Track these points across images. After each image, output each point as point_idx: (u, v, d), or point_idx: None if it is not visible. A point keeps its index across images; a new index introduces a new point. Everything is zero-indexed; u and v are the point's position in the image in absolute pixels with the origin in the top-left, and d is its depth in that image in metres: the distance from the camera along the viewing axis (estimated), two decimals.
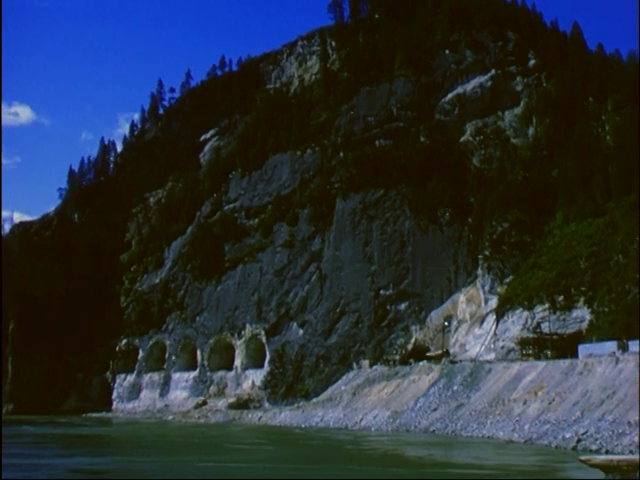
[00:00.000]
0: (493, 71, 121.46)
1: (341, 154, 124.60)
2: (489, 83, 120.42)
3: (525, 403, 61.94)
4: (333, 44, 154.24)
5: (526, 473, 38.14)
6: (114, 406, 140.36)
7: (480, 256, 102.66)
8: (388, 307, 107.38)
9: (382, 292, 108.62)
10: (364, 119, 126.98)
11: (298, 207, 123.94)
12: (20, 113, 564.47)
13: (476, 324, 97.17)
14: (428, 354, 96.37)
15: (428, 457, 46.81)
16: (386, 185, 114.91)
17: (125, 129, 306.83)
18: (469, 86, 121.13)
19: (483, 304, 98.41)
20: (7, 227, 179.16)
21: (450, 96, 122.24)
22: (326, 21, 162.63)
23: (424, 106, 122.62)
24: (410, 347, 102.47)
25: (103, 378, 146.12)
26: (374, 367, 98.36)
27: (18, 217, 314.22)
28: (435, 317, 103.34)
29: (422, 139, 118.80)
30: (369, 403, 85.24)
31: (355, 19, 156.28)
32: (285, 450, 55.40)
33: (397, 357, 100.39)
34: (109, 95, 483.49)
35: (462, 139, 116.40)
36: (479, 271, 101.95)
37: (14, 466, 40.31)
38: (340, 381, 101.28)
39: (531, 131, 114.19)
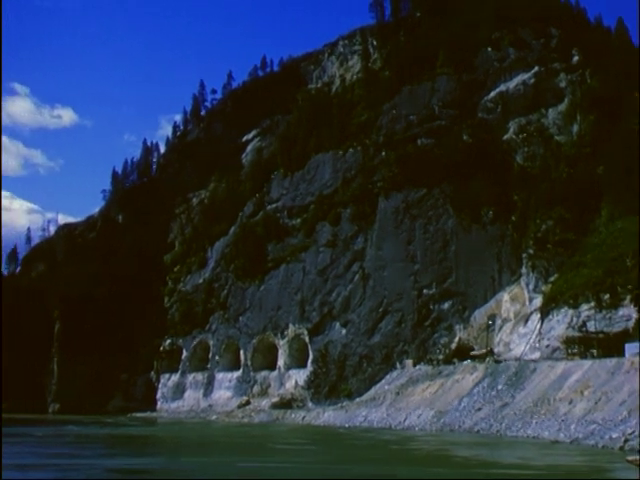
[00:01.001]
0: (536, 68, 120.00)
1: (383, 153, 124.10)
2: (532, 80, 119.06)
3: (571, 403, 61.20)
4: (374, 43, 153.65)
5: (574, 474, 37.56)
6: (158, 406, 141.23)
7: (524, 254, 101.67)
8: (431, 306, 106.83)
9: (425, 291, 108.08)
10: (406, 118, 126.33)
11: (340, 206, 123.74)
12: (63, 116, 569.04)
13: (520, 323, 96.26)
14: (472, 353, 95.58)
15: (474, 457, 46.30)
16: (428, 184, 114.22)
17: (166, 130, 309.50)
18: (512, 84, 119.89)
19: (527, 303, 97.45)
20: (52, 229, 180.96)
21: (493, 94, 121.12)
22: (367, 20, 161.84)
23: (466, 104, 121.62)
24: (454, 346, 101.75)
25: (147, 378, 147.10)
26: (417, 366, 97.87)
27: (62, 219, 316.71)
28: (479, 316, 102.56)
29: (464, 137, 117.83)
30: (413, 403, 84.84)
31: (396, 17, 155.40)
32: (330, 450, 55.16)
33: (441, 356, 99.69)
34: (150, 97, 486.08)
35: (505, 137, 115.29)
36: (523, 269, 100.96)
37: (53, 466, 40.54)
38: (383, 381, 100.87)
39: (575, 128, 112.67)
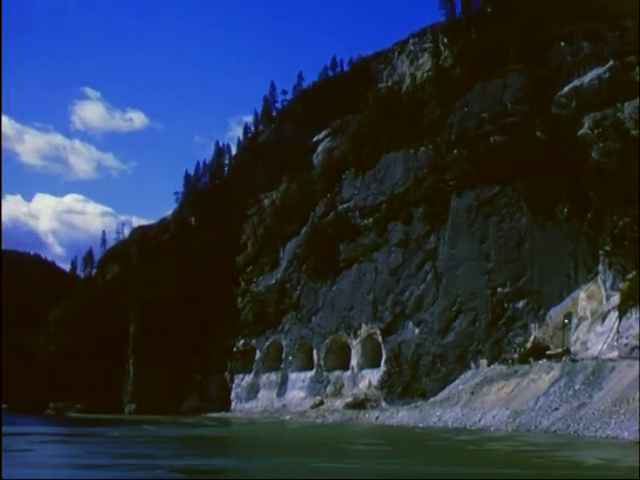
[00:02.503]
0: (611, 62, 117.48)
1: (455, 151, 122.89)
2: (607, 74, 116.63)
3: None
4: (445, 40, 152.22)
5: None
6: (232, 406, 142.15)
7: (601, 252, 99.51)
8: (506, 305, 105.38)
9: (499, 290, 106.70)
10: (477, 115, 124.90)
11: (412, 205, 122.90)
12: (134, 119, 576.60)
13: (597, 321, 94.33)
14: (548, 352, 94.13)
15: (554, 458, 45.32)
16: (501, 181, 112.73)
17: (236, 132, 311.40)
18: (586, 78, 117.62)
19: (604, 301, 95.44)
20: (126, 231, 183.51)
21: (566, 89, 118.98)
22: (437, 17, 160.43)
23: (539, 100, 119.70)
24: (529, 345, 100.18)
25: (221, 378, 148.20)
26: (492, 366, 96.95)
27: (136, 221, 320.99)
28: (554, 315, 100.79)
29: (538, 134, 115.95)
30: (488, 402, 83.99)
31: (467, 14, 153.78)
32: (407, 450, 54.57)
33: (516, 356, 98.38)
34: (219, 99, 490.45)
35: (580, 133, 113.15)
36: (600, 267, 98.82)
37: (122, 466, 40.78)
38: (457, 380, 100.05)
39: None
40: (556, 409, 72.17)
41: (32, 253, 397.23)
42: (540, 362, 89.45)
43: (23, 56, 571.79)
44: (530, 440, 60.65)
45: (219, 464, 42.77)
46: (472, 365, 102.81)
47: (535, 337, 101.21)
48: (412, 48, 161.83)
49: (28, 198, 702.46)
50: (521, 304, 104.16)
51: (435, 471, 39.81)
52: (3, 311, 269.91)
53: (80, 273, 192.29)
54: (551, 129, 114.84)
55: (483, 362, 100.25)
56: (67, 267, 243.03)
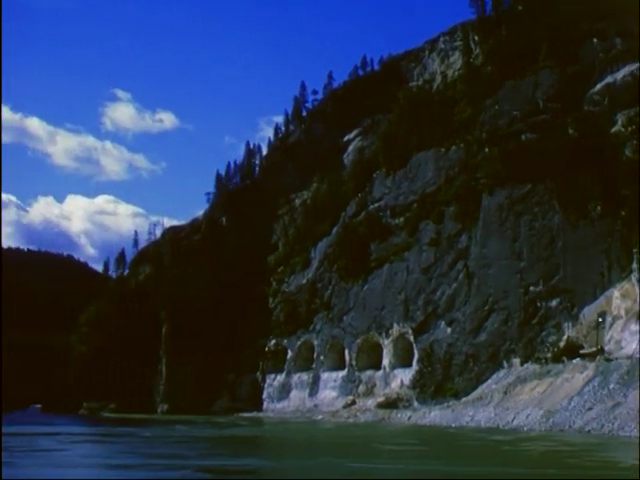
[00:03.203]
0: None
1: (486, 149, 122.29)
2: None
3: None
4: (476, 38, 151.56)
5: None
6: (264, 406, 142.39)
7: (635, 250, 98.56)
8: (538, 304, 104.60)
9: (532, 289, 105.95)
10: (509, 113, 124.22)
11: (443, 204, 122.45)
12: (164, 120, 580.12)
13: (632, 320, 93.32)
14: (581, 351, 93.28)
15: (590, 458, 44.73)
16: (533, 179, 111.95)
17: (266, 132, 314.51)
18: (619, 75, 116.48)
19: (639, 299, 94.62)
20: (158, 232, 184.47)
21: (599, 86, 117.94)
22: (468, 15, 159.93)
23: (571, 97, 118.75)
24: (562, 344, 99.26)
25: (253, 378, 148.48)
26: (525, 365, 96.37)
27: (167, 222, 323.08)
28: (588, 313, 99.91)
29: (570, 131, 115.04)
30: (521, 402, 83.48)
31: (497, 12, 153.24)
32: (440, 451, 54.15)
33: (549, 355, 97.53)
34: (249, 99, 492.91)
35: (613, 130, 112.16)
36: (634, 265, 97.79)
37: (151, 466, 40.81)
38: (490, 380, 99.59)
39: None
40: (590, 409, 71.61)
41: (65, 254, 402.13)
42: (574, 361, 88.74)
43: (54, 59, 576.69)
44: (564, 440, 60.11)
45: (249, 464, 42.65)
46: (505, 364, 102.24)
47: (568, 336, 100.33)
48: (443, 46, 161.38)
49: (60, 199, 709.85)
50: (554, 303, 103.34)
51: (470, 471, 39.50)
52: (37, 312, 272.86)
53: (112, 274, 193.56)
54: (583, 126, 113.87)
55: (516, 361, 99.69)
56: (99, 268, 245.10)
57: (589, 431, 66.52)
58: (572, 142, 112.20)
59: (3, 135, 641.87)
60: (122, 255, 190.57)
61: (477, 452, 51.66)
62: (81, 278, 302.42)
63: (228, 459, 46.22)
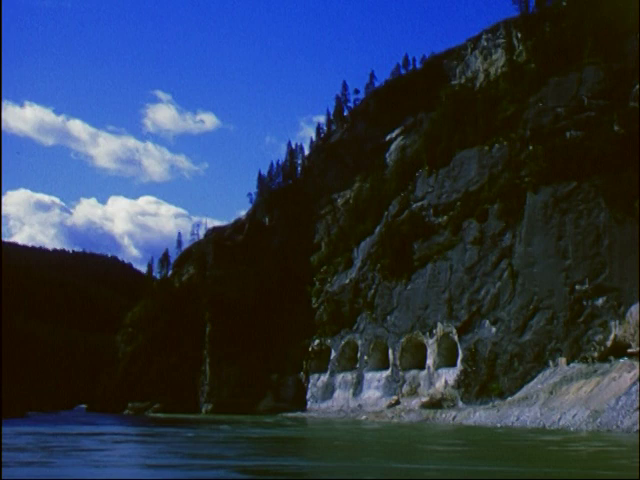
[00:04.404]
0: None
1: (530, 147, 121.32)
2: None
3: None
4: (519, 35, 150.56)
5: None
6: (308, 406, 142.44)
7: None
8: (584, 303, 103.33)
9: (577, 287, 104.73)
10: (553, 110, 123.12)
11: (487, 203, 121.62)
12: (205, 120, 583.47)
13: None
14: (629, 350, 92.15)
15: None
16: (578, 177, 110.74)
17: (306, 132, 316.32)
18: None
19: None
20: (201, 233, 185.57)
21: None
22: (511, 12, 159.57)
23: (616, 93, 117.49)
24: (609, 344, 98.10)
25: (297, 378, 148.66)
26: (571, 365, 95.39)
27: (209, 222, 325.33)
28: (635, 312, 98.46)
29: (615, 128, 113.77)
30: (567, 402, 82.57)
31: (541, 8, 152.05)
32: (487, 451, 53.35)
33: (595, 354, 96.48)
34: (289, 99, 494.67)
35: None
36: None
37: (188, 466, 40.69)
38: (536, 379, 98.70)
39: None
40: (638, 408, 70.67)
41: (109, 255, 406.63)
42: (621, 360, 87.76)
43: (96, 62, 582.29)
44: (613, 440, 59.22)
45: (289, 465, 42.29)
46: (550, 364, 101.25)
47: (615, 335, 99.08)
48: (485, 44, 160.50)
49: (103, 201, 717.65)
50: (600, 301, 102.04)
51: (517, 471, 38.87)
52: (83, 313, 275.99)
53: (156, 274, 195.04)
54: (629, 123, 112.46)
55: (562, 361, 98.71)
56: (143, 269, 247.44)
57: (637, 431, 65.56)
58: (618, 139, 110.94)
59: (46, 137, 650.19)
60: (166, 256, 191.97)
61: (525, 453, 50.83)
62: (126, 279, 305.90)
63: (268, 459, 45.96)
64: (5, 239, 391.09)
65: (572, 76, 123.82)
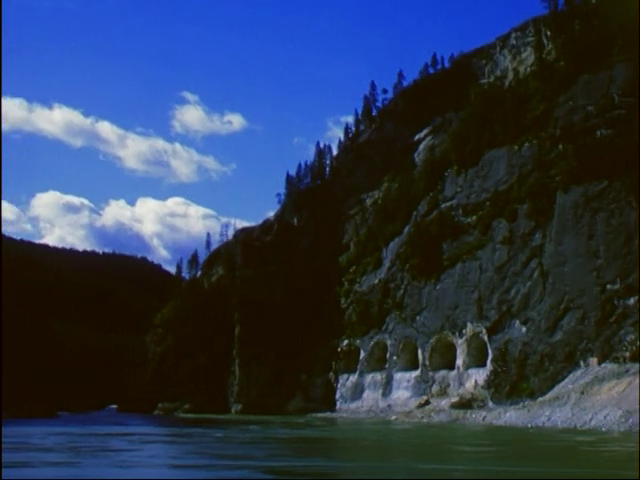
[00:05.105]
0: None
1: (560, 146, 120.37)
2: None
3: None
4: (548, 33, 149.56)
5: None
6: (337, 406, 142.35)
7: None
8: (616, 302, 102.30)
9: (609, 287, 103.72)
10: (583, 109, 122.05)
11: (517, 202, 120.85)
12: (233, 121, 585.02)
13: None
14: None
15: None
16: (609, 176, 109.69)
17: (334, 132, 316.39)
18: None
19: None
20: (230, 233, 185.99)
21: None
22: (540, 10, 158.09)
23: None
24: None
25: (326, 378, 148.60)
26: (603, 365, 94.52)
27: (238, 223, 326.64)
28: None
29: None
30: (598, 402, 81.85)
31: (570, 5, 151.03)
32: (520, 452, 52.68)
33: (627, 354, 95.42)
34: (316, 100, 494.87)
35: None
36: None
37: (213, 466, 40.50)
38: (567, 379, 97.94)
39: None
40: None
41: (139, 256, 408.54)
42: None
43: (123, 63, 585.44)
44: None
45: (315, 465, 42.00)
46: (581, 364, 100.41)
47: None
48: (514, 42, 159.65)
49: (131, 202, 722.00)
50: (632, 301, 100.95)
51: (551, 472, 38.40)
52: (114, 314, 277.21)
53: (185, 275, 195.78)
54: None
55: (593, 361, 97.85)
56: (172, 269, 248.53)
57: None
58: None
59: (75, 139, 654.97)
60: (195, 257, 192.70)
61: (557, 453, 50.19)
62: (155, 280, 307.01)
63: (295, 460, 45.62)
64: (36, 241, 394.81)
65: (602, 74, 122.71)
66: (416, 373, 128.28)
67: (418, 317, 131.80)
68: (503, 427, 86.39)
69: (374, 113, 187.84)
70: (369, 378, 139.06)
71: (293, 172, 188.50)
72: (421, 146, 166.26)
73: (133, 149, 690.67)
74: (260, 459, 45.08)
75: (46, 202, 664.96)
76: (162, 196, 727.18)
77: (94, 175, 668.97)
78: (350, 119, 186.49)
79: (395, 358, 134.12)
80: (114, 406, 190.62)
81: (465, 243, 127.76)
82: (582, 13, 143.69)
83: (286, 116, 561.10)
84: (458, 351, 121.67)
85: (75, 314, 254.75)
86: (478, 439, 69.00)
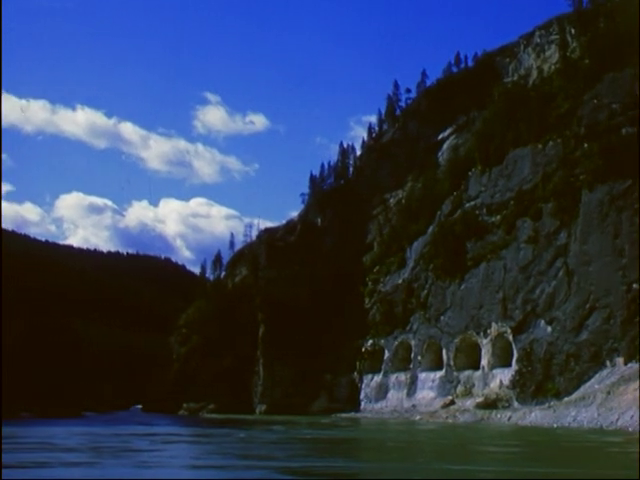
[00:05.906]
0: None
1: (585, 145, 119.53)
2: None
3: None
4: (572, 31, 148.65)
5: None
6: (362, 406, 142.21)
7: None
8: None
9: (635, 286, 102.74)
10: (608, 107, 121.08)
11: (541, 201, 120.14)
12: (255, 121, 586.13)
13: None
14: None
15: None
16: (635, 174, 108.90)
17: (356, 132, 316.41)
18: None
19: None
20: (253, 234, 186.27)
21: None
22: (564, 8, 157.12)
23: None
24: None
25: (351, 379, 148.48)
26: (629, 364, 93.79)
27: (261, 223, 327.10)
28: None
29: None
30: (625, 402, 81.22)
31: (594, 3, 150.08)
32: (545, 452, 51.87)
33: None
34: (339, 99, 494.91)
35: None
36: None
37: (233, 467, 40.23)
38: (593, 379, 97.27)
39: None
40: None
41: (163, 257, 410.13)
42: None
43: (146, 64, 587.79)
44: None
45: (337, 465, 41.67)
46: (608, 364, 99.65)
47: None
48: (538, 40, 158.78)
49: (154, 203, 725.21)
50: None
51: (580, 473, 37.89)
52: (139, 314, 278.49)
53: (209, 276, 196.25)
54: None
55: (619, 360, 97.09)
56: (196, 270, 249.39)
57: None
58: None
59: (98, 140, 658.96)
60: (218, 257, 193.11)
61: (585, 455, 49.60)
62: (179, 280, 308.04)
63: (317, 460, 45.26)
64: (60, 242, 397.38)
65: (627, 72, 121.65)
66: (441, 373, 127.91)
67: (442, 317, 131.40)
68: (529, 427, 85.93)
69: (397, 112, 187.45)
70: (393, 378, 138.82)
71: (316, 172, 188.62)
72: (445, 145, 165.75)
73: (156, 150, 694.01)
74: (281, 459, 44.74)
75: (70, 203, 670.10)
76: (185, 197, 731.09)
77: (117, 176, 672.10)
78: (372, 119, 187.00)
79: (419, 358, 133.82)
80: (139, 406, 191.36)
81: (489, 243, 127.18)
82: (606, 10, 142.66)
83: (308, 116, 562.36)
84: (483, 351, 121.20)
85: (99, 315, 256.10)
86: (504, 440, 68.50)
